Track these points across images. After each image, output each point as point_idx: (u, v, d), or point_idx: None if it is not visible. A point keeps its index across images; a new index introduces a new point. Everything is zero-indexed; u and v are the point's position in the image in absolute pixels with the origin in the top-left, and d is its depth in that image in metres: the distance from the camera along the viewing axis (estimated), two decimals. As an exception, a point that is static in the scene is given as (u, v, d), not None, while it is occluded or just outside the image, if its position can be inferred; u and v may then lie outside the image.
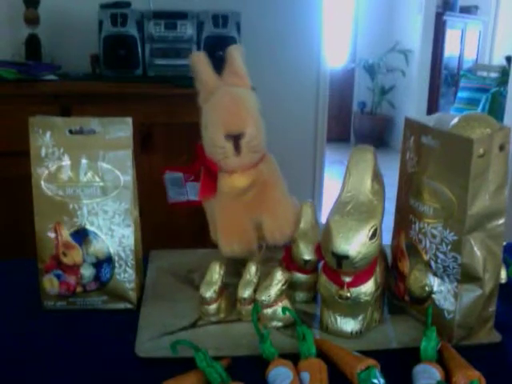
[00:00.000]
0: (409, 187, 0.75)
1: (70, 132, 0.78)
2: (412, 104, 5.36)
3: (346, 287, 0.70)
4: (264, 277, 0.76)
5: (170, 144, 2.05)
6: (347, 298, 0.70)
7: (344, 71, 5.85)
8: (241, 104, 0.79)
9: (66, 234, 0.79)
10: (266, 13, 2.62)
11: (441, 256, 0.71)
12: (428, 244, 0.72)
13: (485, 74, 5.37)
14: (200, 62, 0.82)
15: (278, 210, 0.82)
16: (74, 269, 0.79)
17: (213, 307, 0.76)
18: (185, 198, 0.89)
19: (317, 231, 0.81)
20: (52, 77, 2.14)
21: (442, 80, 5.72)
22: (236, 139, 0.77)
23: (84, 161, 0.78)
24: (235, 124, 0.77)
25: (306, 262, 0.79)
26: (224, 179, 0.81)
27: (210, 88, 0.81)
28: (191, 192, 0.88)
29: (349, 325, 0.73)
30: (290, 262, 0.82)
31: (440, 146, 0.69)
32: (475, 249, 0.69)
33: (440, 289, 0.72)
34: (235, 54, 0.83)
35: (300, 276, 0.81)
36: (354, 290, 0.70)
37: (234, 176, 0.81)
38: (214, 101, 0.80)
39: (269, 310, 0.74)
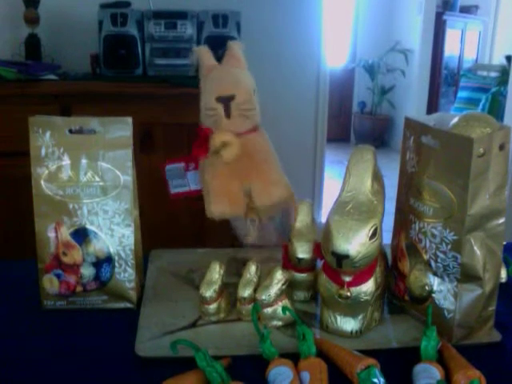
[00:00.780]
0: (409, 187, 0.75)
1: (70, 132, 0.78)
2: (412, 104, 5.36)
3: (346, 287, 0.70)
4: (264, 276, 0.76)
5: (170, 144, 2.05)
6: (347, 298, 0.70)
7: (344, 71, 5.84)
8: (234, 73, 0.83)
9: (65, 233, 0.79)
10: (266, 13, 2.62)
11: (441, 255, 0.71)
12: (428, 243, 0.72)
13: (485, 73, 5.37)
14: (203, 53, 0.85)
15: (266, 175, 0.84)
16: (74, 268, 0.80)
17: (213, 307, 0.76)
18: (187, 189, 0.90)
19: (313, 230, 0.81)
20: (52, 76, 2.14)
21: (442, 80, 5.72)
22: (227, 102, 0.79)
23: (84, 160, 0.78)
24: (226, 87, 0.80)
25: (300, 260, 0.79)
26: (216, 137, 0.82)
27: (210, 69, 0.84)
28: (192, 181, 0.89)
29: (349, 324, 0.73)
30: (286, 260, 0.82)
31: (440, 145, 0.69)
32: (475, 248, 0.69)
33: (440, 288, 0.72)
34: (235, 46, 0.86)
35: (296, 275, 0.81)
36: (354, 290, 0.70)
37: (225, 137, 0.81)
38: (210, 76, 0.83)
39: (269, 310, 0.74)
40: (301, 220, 0.82)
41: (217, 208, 0.82)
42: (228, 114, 0.80)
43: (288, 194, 0.84)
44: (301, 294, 0.82)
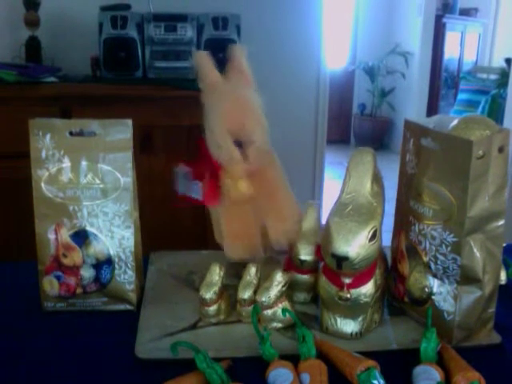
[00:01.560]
0: (408, 189, 0.75)
1: (70, 134, 0.78)
2: (412, 106, 5.37)
3: (345, 288, 0.70)
4: (264, 278, 0.76)
5: (170, 145, 2.05)
6: (347, 300, 0.70)
7: (344, 73, 5.85)
8: (247, 109, 0.79)
9: (66, 235, 0.79)
10: (266, 15, 2.62)
11: (440, 257, 0.71)
12: (428, 245, 0.72)
13: (484, 76, 5.38)
14: (203, 60, 0.82)
15: (283, 213, 0.82)
16: (74, 270, 0.80)
17: (213, 308, 0.76)
18: (193, 195, 0.89)
19: (317, 233, 0.81)
20: (52, 79, 2.14)
21: (442, 82, 5.73)
22: (243, 145, 0.77)
23: (84, 163, 0.79)
24: (243, 132, 0.77)
25: (303, 262, 0.79)
26: (230, 184, 0.81)
27: (214, 84, 0.81)
28: (194, 191, 0.88)
29: (349, 326, 0.73)
30: (289, 261, 0.82)
31: (440, 147, 0.69)
32: (475, 250, 0.69)
33: (440, 290, 0.72)
34: (238, 54, 0.84)
35: (298, 276, 0.81)
36: (354, 292, 0.70)
37: (240, 182, 0.80)
38: (219, 104, 0.79)
39: (269, 312, 0.74)
40: (307, 222, 0.82)
41: (232, 253, 0.81)
42: (246, 158, 0.77)
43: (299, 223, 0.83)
44: (301, 296, 0.82)
